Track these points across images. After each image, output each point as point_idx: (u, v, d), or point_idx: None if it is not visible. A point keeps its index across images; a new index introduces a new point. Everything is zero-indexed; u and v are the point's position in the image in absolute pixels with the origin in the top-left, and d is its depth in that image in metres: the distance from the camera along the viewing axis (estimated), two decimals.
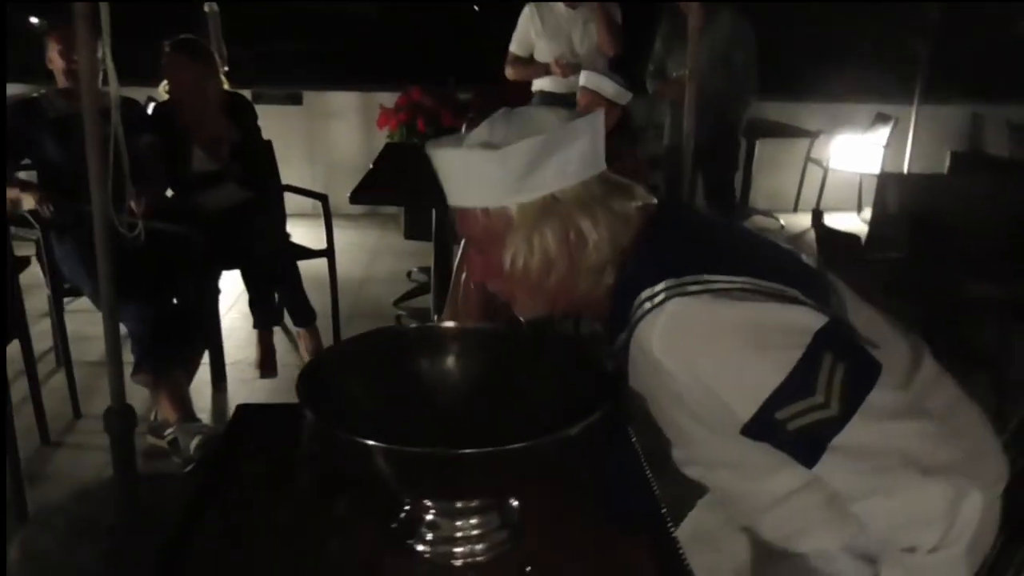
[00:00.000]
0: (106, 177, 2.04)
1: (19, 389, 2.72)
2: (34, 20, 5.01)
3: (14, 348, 2.58)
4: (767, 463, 1.09)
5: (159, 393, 2.69)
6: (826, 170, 5.87)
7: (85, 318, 3.17)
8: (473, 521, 1.18)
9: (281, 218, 3.52)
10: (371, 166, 3.71)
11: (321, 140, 5.71)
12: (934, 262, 3.45)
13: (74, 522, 2.31)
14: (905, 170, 5.51)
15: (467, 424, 1.20)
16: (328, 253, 3.46)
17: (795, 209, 6.08)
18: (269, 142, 3.62)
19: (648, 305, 1.00)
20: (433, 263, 3.53)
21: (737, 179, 5.98)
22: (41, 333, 3.22)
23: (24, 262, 2.73)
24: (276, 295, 3.25)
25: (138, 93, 3.68)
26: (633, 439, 1.37)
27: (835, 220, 5.74)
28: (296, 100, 5.57)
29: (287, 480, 1.31)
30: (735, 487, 1.21)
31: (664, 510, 1.23)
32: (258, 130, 3.47)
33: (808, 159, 5.98)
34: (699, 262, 1.00)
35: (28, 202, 2.70)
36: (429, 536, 1.17)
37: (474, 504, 1.17)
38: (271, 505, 1.25)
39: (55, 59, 2.80)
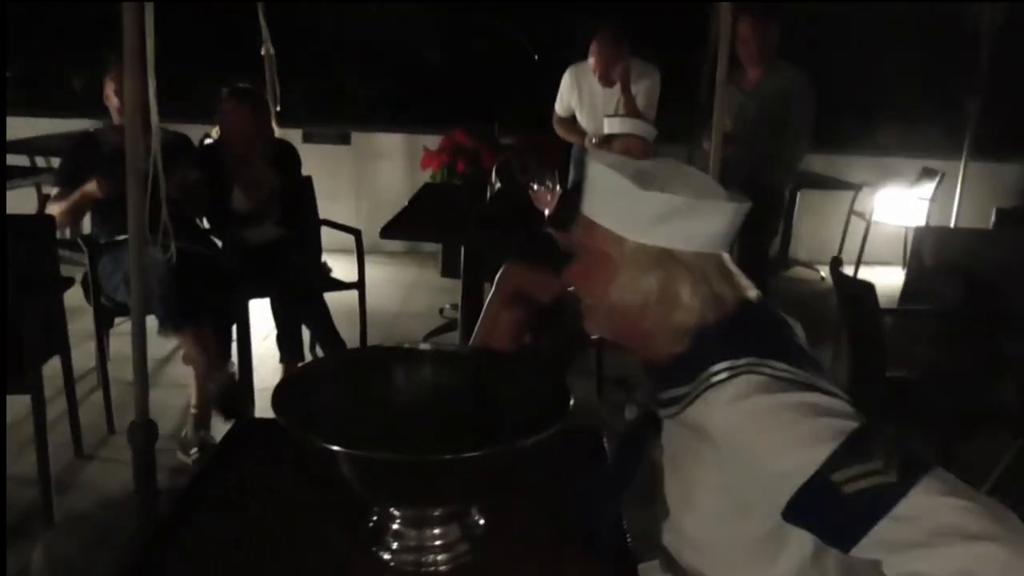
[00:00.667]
0: (142, 203, 2.18)
1: (60, 403, 2.87)
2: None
3: (56, 364, 2.74)
4: (763, 555, 1.13)
5: (185, 339, 2.90)
6: (869, 223, 5.82)
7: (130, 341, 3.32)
8: (436, 531, 1.23)
9: (316, 253, 3.65)
10: (407, 203, 3.84)
11: (367, 179, 5.91)
12: (967, 317, 3.40)
13: (97, 530, 2.41)
14: (952, 225, 5.44)
15: (437, 438, 1.26)
16: (359, 286, 3.57)
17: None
18: (309, 179, 3.78)
19: (725, 375, 1.06)
20: (461, 300, 3.62)
21: (778, 230, 6.00)
22: (89, 352, 3.37)
23: (69, 282, 2.90)
24: (303, 328, 3.36)
25: (196, 131, 3.89)
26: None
27: (878, 273, 5.69)
28: (345, 140, 5.79)
29: (269, 490, 1.38)
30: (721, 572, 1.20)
31: (629, 540, 1.26)
32: (299, 175, 3.62)
33: (851, 211, 5.94)
34: (776, 353, 1.07)
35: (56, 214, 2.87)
36: (394, 545, 1.23)
37: (437, 514, 1.22)
38: (250, 513, 1.33)
39: (111, 97, 3.00)
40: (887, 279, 4.63)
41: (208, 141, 3.93)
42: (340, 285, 3.59)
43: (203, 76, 3.61)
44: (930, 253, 3.96)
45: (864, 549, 0.97)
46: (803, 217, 5.99)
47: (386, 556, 1.22)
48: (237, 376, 3.07)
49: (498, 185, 3.58)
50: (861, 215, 5.89)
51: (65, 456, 2.84)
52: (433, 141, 5.50)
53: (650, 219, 1.10)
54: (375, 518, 1.25)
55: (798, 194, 5.83)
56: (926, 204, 5.75)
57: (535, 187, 3.13)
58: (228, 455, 1.51)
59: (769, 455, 1.02)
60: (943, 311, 3.33)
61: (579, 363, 3.64)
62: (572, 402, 1.21)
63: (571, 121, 4.27)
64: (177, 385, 3.28)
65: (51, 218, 2.75)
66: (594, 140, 3.83)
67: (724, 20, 3.31)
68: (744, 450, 1.04)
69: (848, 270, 5.84)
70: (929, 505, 0.93)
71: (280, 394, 1.20)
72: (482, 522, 1.28)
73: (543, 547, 1.26)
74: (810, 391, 1.04)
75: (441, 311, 4.60)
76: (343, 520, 1.27)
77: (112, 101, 3.01)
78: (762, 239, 4.30)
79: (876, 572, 0.97)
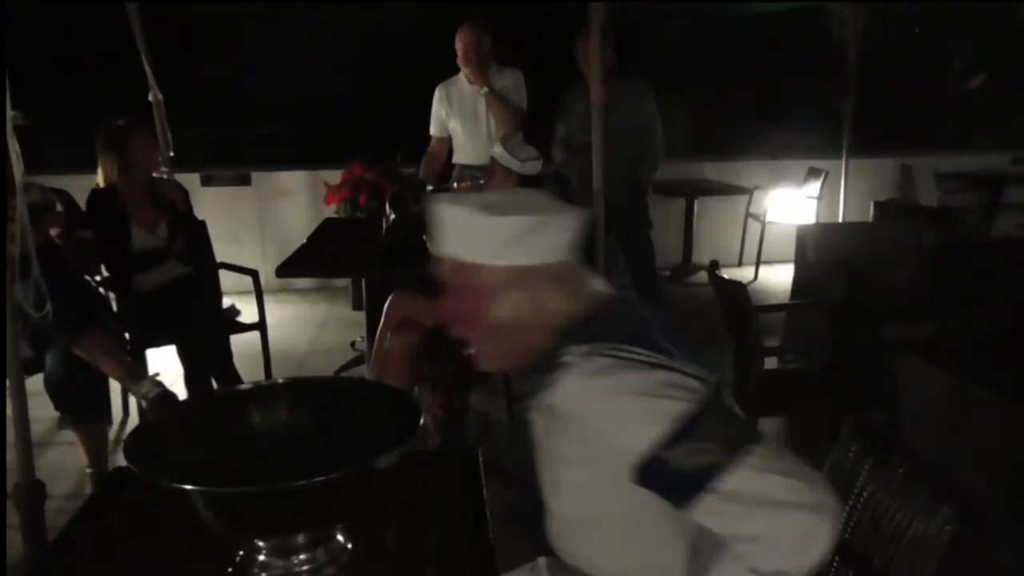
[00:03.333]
0: (10, 260, 2.14)
1: None
2: None
3: None
4: (635, 515, 1.21)
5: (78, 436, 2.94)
6: (764, 224, 6.07)
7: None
8: (302, 557, 1.25)
9: (216, 294, 3.62)
10: (305, 240, 3.84)
11: (271, 219, 5.86)
12: (848, 306, 3.59)
13: None
14: (840, 219, 5.72)
15: (295, 469, 1.28)
16: (260, 327, 3.56)
17: (739, 263, 6.26)
18: (203, 222, 3.75)
19: (573, 357, 1.16)
20: (366, 331, 3.63)
21: (680, 237, 6.20)
22: None
23: None
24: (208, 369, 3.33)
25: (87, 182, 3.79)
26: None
27: (778, 271, 5.93)
28: (245, 181, 5.74)
29: (138, 537, 1.39)
30: (596, 546, 1.28)
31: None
32: (191, 209, 3.60)
33: (748, 214, 6.18)
34: (624, 338, 1.17)
35: None
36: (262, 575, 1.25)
37: (301, 541, 1.25)
38: (117, 562, 1.33)
39: None
40: (786, 276, 4.82)
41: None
42: (241, 327, 3.56)
43: (93, 126, 3.53)
44: (813, 248, 4.17)
45: (698, 515, 1.09)
46: (702, 223, 6.20)
47: None
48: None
49: (392, 216, 3.63)
50: (757, 217, 6.13)
51: None
52: (334, 176, 5.50)
53: (501, 243, 1.20)
54: (241, 552, 1.27)
55: (695, 201, 6.04)
56: (814, 202, 6.03)
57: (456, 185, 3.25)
58: (99, 504, 1.50)
59: (611, 427, 1.14)
60: (822, 303, 3.50)
61: (487, 383, 3.69)
62: (421, 423, 1.26)
63: (448, 141, 4.36)
64: (71, 443, 3.19)
65: None
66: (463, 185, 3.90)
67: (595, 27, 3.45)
68: (588, 420, 1.16)
69: (749, 270, 6.09)
70: (747, 479, 1.06)
71: (134, 441, 1.21)
72: (349, 546, 1.31)
73: (409, 568, 1.30)
74: (655, 370, 1.13)
75: (352, 344, 4.58)
76: (210, 560, 1.28)
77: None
78: (642, 242, 4.40)
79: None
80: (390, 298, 3.35)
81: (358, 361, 4.19)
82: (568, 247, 1.25)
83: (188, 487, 1.10)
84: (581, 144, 3.97)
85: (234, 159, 5.95)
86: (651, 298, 4.16)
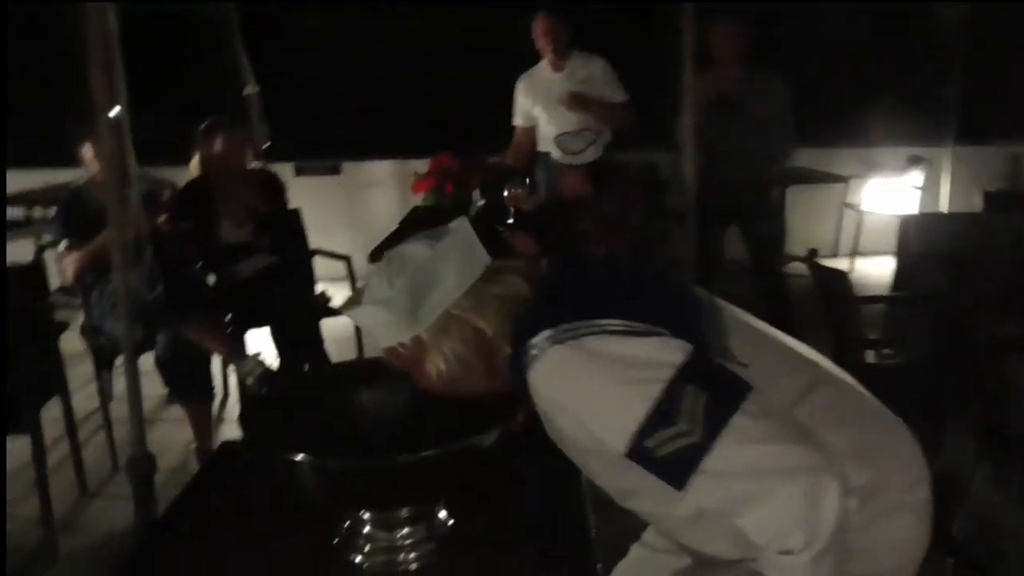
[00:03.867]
0: (125, 244, 2.25)
1: (66, 444, 2.95)
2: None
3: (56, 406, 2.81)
4: (663, 488, 1.13)
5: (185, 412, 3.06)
6: (860, 214, 5.85)
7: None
8: (404, 531, 1.28)
9: (309, 281, 3.70)
10: (395, 227, 3.89)
11: (361, 208, 5.98)
12: (954, 301, 3.42)
13: (99, 565, 2.47)
14: (944, 210, 5.47)
15: (398, 444, 1.30)
16: None
17: (834, 254, 6.05)
18: (297, 211, 3.85)
19: (533, 353, 1.10)
20: None
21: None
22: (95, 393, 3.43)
23: (63, 326, 2.97)
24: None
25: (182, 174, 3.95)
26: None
27: (874, 264, 5.72)
28: (336, 171, 5.87)
29: (246, 509, 1.43)
30: (648, 511, 1.27)
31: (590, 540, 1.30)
32: (285, 202, 3.70)
33: (844, 204, 5.97)
34: (575, 310, 1.11)
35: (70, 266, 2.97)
36: (366, 547, 1.28)
37: (404, 516, 1.27)
38: (228, 533, 1.37)
39: (89, 155, 3.06)
40: (883, 269, 4.65)
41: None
42: (333, 312, 3.64)
43: (194, 120, 3.67)
44: (917, 240, 3.99)
45: (692, 498, 1.05)
46: (795, 213, 6.00)
47: (358, 559, 1.27)
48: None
49: (481, 202, 3.66)
50: (853, 207, 5.92)
51: (70, 495, 2.90)
52: (423, 166, 5.57)
53: (408, 315, 1.16)
54: (347, 524, 1.30)
55: (788, 190, 5.86)
56: (916, 192, 5.78)
57: (508, 192, 3.25)
58: (207, 480, 1.56)
59: (589, 424, 1.09)
60: (927, 296, 3.35)
61: None
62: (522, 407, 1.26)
63: (532, 131, 4.35)
64: (178, 420, 3.33)
65: (42, 266, 2.83)
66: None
67: (689, 23, 3.41)
68: (574, 423, 1.11)
69: (844, 262, 5.88)
70: (732, 456, 1.01)
71: (248, 414, 1.25)
72: (450, 522, 1.33)
73: (506, 547, 1.30)
74: (616, 340, 1.07)
75: None
76: (317, 531, 1.31)
77: (90, 159, 3.08)
78: (772, 235, 4.30)
79: None
80: None
81: None
82: (468, 268, 1.19)
83: (304, 458, 1.13)
84: (706, 127, 3.90)
85: (326, 150, 6.09)
86: (774, 294, 4.07)
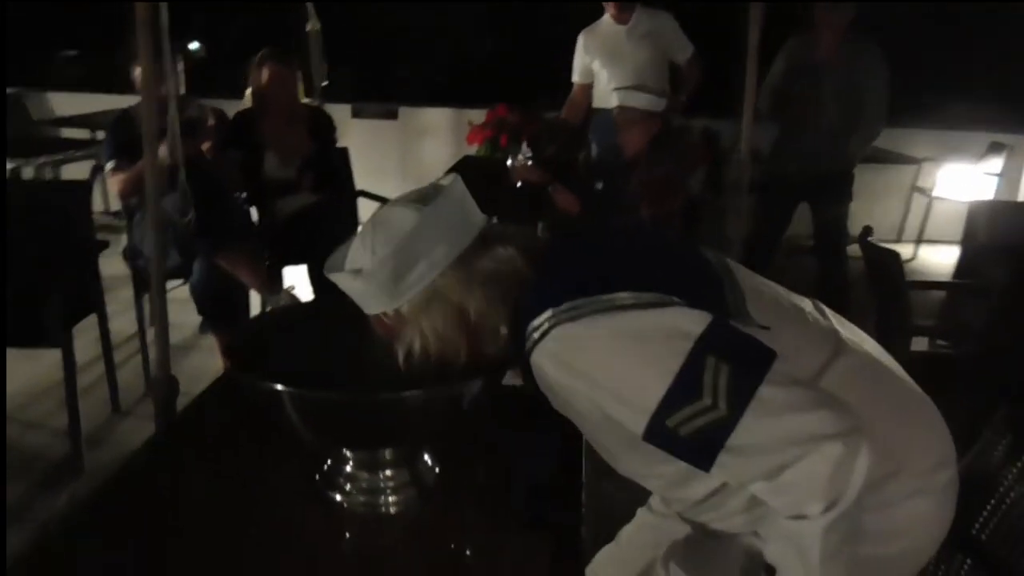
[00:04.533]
0: (159, 169, 2.25)
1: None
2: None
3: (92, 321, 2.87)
4: (679, 469, 1.08)
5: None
6: (930, 199, 5.59)
7: (177, 306, 3.43)
8: (387, 473, 1.25)
9: (350, 222, 3.70)
10: (441, 176, 3.86)
11: (414, 154, 5.95)
12: (1016, 293, 3.24)
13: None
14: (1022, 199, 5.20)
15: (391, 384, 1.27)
16: None
17: (898, 239, 5.81)
18: (344, 150, 3.83)
19: (536, 335, 1.04)
20: None
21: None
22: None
23: (103, 245, 3.01)
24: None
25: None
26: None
27: (941, 252, 5.47)
28: (392, 115, 5.84)
29: (237, 440, 1.42)
30: (663, 491, 1.23)
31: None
32: (334, 142, 3.66)
33: (913, 187, 5.71)
34: (580, 286, 1.03)
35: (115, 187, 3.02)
36: (347, 487, 1.25)
37: (386, 458, 1.24)
38: (216, 460, 1.37)
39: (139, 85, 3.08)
40: (949, 258, 4.44)
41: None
42: None
43: (247, 53, 3.65)
44: (985, 229, 3.79)
45: (718, 474, 1.00)
46: (860, 193, 5.76)
47: (338, 498, 1.25)
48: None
49: (528, 155, 3.58)
50: (923, 191, 5.66)
51: (102, 412, 2.97)
52: (479, 116, 5.51)
53: (390, 286, 1.09)
54: (329, 462, 1.28)
55: (854, 169, 5.62)
56: (994, 179, 5.49)
57: (511, 161, 3.24)
58: (202, 408, 1.56)
59: (606, 403, 1.03)
60: (985, 286, 3.18)
61: None
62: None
63: (589, 88, 4.23)
64: (212, 349, 3.38)
65: (88, 185, 2.86)
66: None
67: None
68: (589, 403, 1.05)
69: (908, 248, 5.65)
70: (759, 430, 0.95)
71: (235, 345, 1.23)
72: (437, 470, 1.29)
73: (491, 498, 1.27)
74: (628, 314, 1.00)
75: None
76: (301, 467, 1.30)
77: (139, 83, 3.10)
78: (839, 214, 4.13)
79: None
80: None
81: None
82: (458, 235, 1.10)
83: (275, 387, 1.10)
84: (791, 96, 3.75)
85: (384, 93, 6.06)
86: (834, 276, 3.92)
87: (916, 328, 3.23)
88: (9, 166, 4.31)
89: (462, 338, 1.12)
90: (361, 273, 1.09)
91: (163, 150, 2.75)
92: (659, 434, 0.98)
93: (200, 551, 1.14)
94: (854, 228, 5.67)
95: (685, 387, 0.96)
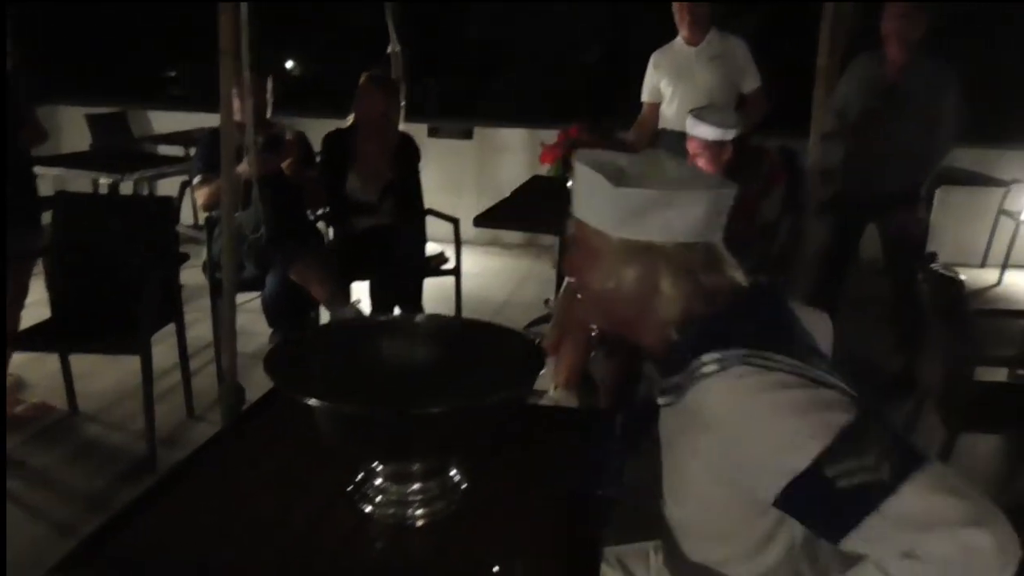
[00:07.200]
0: (234, 185, 2.40)
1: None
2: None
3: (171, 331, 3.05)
4: (759, 536, 1.13)
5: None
6: (1019, 222, 5.36)
7: (253, 317, 3.62)
8: (416, 487, 1.31)
9: (418, 241, 3.79)
10: (508, 195, 3.94)
11: (489, 173, 6.07)
12: None
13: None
14: None
15: (422, 400, 1.34)
16: (456, 273, 3.71)
17: (983, 264, 5.59)
18: (417, 173, 3.93)
19: (715, 366, 1.06)
20: (555, 290, 3.67)
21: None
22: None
23: (184, 257, 3.19)
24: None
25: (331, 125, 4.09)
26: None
27: None
28: (468, 135, 5.97)
29: (276, 451, 1.50)
30: (723, 562, 1.21)
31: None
32: (417, 171, 3.76)
33: (1000, 210, 5.49)
34: (770, 342, 1.07)
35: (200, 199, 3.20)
36: (377, 498, 1.32)
37: (415, 470, 1.30)
38: (256, 470, 1.45)
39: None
40: None
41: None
42: (437, 272, 3.73)
43: (345, 73, 3.81)
44: None
45: (852, 542, 0.98)
46: (943, 216, 5.58)
47: (368, 508, 1.31)
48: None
49: None
50: (1011, 214, 5.43)
51: (179, 416, 3.15)
52: (552, 136, 5.57)
53: (626, 214, 1.12)
54: (361, 475, 1.35)
55: (938, 190, 5.44)
56: None
57: (570, 183, 3.21)
58: (253, 418, 1.66)
59: (762, 446, 1.03)
60: None
61: None
62: (543, 371, 1.26)
63: (658, 108, 4.25)
64: None
65: (173, 201, 3.05)
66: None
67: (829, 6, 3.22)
68: (737, 439, 1.05)
69: (993, 273, 5.43)
70: (918, 502, 0.94)
71: (274, 358, 1.31)
72: (464, 486, 1.35)
73: (519, 512, 1.31)
74: (804, 383, 1.03)
75: (546, 302, 4.66)
76: (336, 479, 1.37)
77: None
78: (910, 235, 3.98)
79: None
80: None
81: (547, 318, 4.26)
82: (703, 227, 1.13)
83: (308, 400, 1.17)
84: (859, 114, 3.69)
85: (461, 113, 6.20)
86: (905, 295, 3.81)
87: (993, 358, 3.12)
88: (107, 180, 4.60)
89: (636, 307, 1.16)
90: (616, 186, 1.10)
91: (242, 166, 2.92)
92: (812, 482, 0.98)
93: (232, 548, 1.22)
94: (942, 251, 5.52)
95: (850, 441, 0.98)
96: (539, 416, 1.59)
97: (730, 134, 3.05)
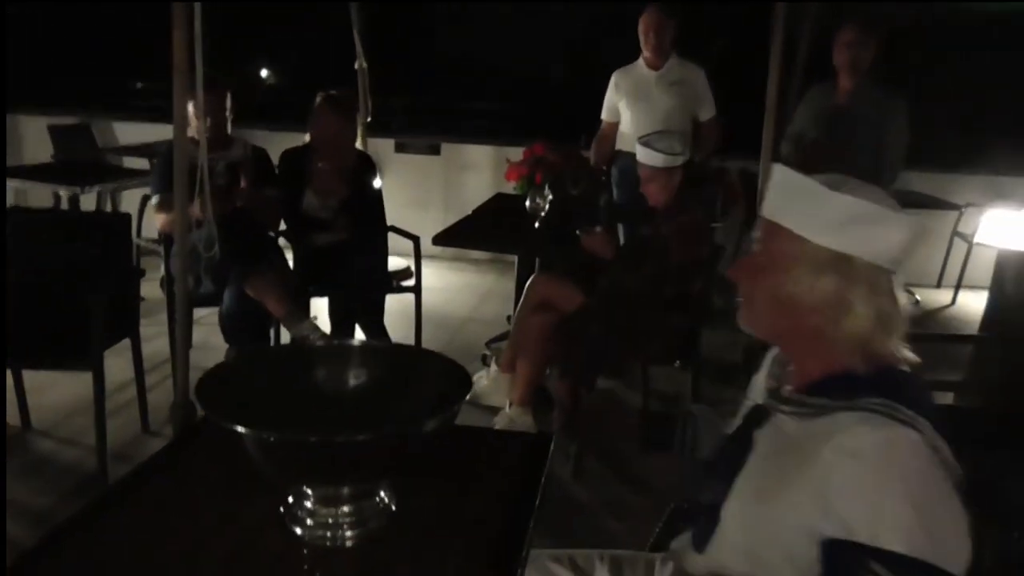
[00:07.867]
0: (186, 203, 2.41)
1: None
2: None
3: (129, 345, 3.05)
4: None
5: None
6: (970, 244, 5.50)
7: (213, 331, 3.61)
8: (345, 509, 1.34)
9: (378, 257, 3.81)
10: (470, 213, 3.98)
11: (456, 189, 6.10)
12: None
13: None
14: None
15: (351, 425, 1.36)
16: (416, 289, 3.73)
17: (938, 285, 5.72)
18: (379, 191, 3.96)
19: (878, 407, 1.08)
20: (514, 306, 3.71)
21: None
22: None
23: (141, 272, 3.19)
24: (356, 328, 3.54)
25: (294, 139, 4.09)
26: None
27: (982, 299, 5.35)
28: (435, 151, 6.02)
29: (209, 475, 1.52)
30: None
31: None
32: (372, 186, 3.78)
33: (954, 233, 5.63)
34: (921, 408, 1.10)
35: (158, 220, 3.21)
36: (308, 521, 1.34)
37: (345, 494, 1.33)
38: (184, 493, 1.47)
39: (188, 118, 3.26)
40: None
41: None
42: (398, 288, 3.76)
43: (304, 88, 3.83)
44: (1014, 278, 3.72)
45: None
46: None
47: (299, 531, 1.34)
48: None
49: (548, 197, 3.67)
50: (963, 236, 5.57)
51: (133, 431, 3.14)
52: (517, 153, 5.63)
53: (834, 223, 1.12)
54: (291, 499, 1.37)
55: None
56: None
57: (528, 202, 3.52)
58: (187, 443, 1.68)
59: (866, 497, 1.05)
60: (1005, 338, 3.13)
61: (627, 375, 3.67)
62: (468, 396, 1.30)
63: (616, 127, 4.33)
64: None
65: (127, 217, 3.04)
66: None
67: (779, 24, 3.31)
68: (856, 477, 1.06)
69: (947, 294, 5.55)
70: None
71: (206, 383, 1.33)
72: (394, 507, 1.38)
73: (445, 534, 1.34)
74: (950, 495, 1.05)
75: (508, 318, 4.69)
76: (263, 502, 1.39)
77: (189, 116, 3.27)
78: None
79: None
80: (531, 278, 3.41)
81: (507, 335, 4.29)
82: (897, 254, 1.13)
83: (237, 428, 1.20)
84: (811, 142, 3.79)
85: (428, 129, 6.25)
86: None
87: (939, 383, 3.20)
88: (68, 192, 4.58)
89: (822, 318, 1.15)
90: (834, 193, 1.12)
91: (194, 209, 2.90)
92: (848, 558, 1.04)
93: (161, 573, 1.24)
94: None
95: (912, 569, 1.01)
96: (469, 437, 1.63)
97: (678, 161, 3.12)
